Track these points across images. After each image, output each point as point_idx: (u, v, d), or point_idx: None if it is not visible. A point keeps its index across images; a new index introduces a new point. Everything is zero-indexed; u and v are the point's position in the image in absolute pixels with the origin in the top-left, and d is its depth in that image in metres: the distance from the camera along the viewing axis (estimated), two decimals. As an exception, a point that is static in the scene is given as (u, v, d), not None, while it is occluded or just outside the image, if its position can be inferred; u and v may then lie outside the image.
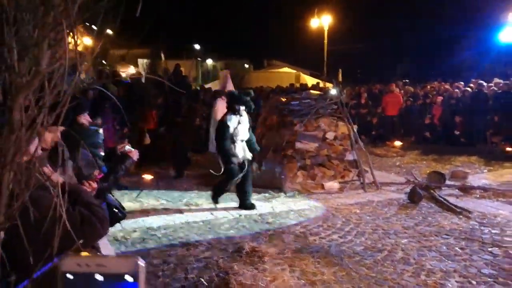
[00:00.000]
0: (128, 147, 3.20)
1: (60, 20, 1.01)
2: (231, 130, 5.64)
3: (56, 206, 1.58)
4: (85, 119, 3.34)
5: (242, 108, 5.70)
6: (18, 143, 1.03)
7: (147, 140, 8.13)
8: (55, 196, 1.16)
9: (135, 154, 3.18)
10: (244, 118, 5.79)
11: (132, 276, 0.82)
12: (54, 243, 1.15)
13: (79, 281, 0.83)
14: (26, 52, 1.04)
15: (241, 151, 5.80)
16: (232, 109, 5.72)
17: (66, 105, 1.08)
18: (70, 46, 1.07)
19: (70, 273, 0.83)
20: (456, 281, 3.75)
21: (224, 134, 5.66)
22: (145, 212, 5.87)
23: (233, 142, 5.72)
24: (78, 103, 2.97)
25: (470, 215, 5.61)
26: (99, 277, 0.82)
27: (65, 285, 0.83)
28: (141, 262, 0.82)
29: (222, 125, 5.71)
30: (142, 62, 22.87)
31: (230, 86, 8.22)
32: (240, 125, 5.71)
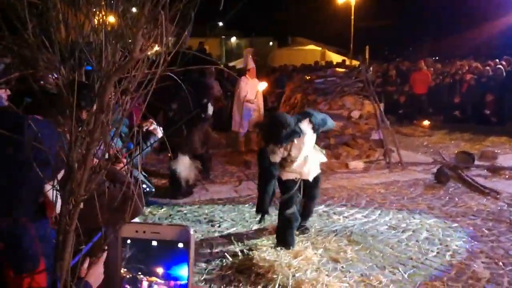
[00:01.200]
0: (154, 125, 3.23)
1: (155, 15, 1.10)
2: (278, 160, 3.94)
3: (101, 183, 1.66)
4: None
5: (283, 145, 3.86)
6: (105, 123, 1.11)
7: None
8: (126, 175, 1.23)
9: (159, 132, 3.21)
10: (302, 139, 3.93)
11: (183, 243, 0.89)
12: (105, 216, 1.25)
13: (137, 246, 0.92)
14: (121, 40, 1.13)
15: (299, 168, 4.11)
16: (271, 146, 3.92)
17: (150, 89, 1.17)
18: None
19: (129, 238, 0.92)
20: (482, 262, 3.71)
21: (262, 163, 3.98)
22: (171, 189, 5.98)
23: (284, 166, 4.06)
24: None
25: (498, 196, 5.48)
26: (154, 243, 0.90)
27: (124, 248, 0.92)
28: (192, 231, 0.89)
29: (261, 154, 4.01)
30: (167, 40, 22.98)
31: (251, 64, 8.17)
32: (295, 150, 3.95)
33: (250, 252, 3.89)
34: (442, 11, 25.12)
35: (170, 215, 4.94)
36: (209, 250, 3.99)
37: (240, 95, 8.05)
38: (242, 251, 3.94)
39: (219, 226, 4.58)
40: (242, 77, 8.44)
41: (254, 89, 8.06)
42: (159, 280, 0.90)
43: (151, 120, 3.23)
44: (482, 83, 11.56)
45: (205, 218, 4.84)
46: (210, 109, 6.15)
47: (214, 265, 3.69)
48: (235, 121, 8.27)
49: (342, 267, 3.63)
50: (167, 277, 0.90)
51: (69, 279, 1.11)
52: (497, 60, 12.58)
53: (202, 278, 3.49)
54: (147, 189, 3.00)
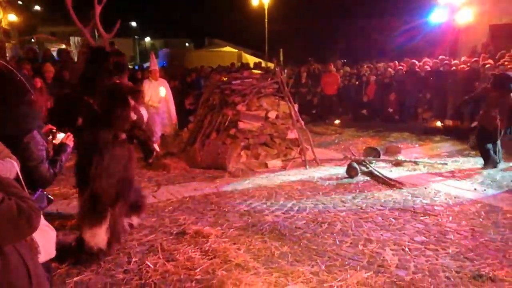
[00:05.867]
0: (60, 135, 2.96)
1: None
2: None
3: None
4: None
5: None
6: None
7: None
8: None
9: (70, 140, 2.96)
10: None
11: None
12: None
13: None
14: None
15: None
16: None
17: None
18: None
19: None
20: (391, 249, 4.00)
21: None
22: (84, 198, 5.64)
23: None
24: (28, 81, 2.69)
25: (403, 187, 5.97)
26: None
27: None
28: None
29: None
30: (74, 40, 21.55)
31: (153, 65, 7.99)
32: None
33: (171, 258, 3.79)
34: (349, 17, 26.76)
35: (83, 226, 4.63)
36: (126, 259, 3.81)
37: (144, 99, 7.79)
38: (162, 258, 3.83)
39: (137, 234, 4.40)
40: (144, 80, 8.17)
41: (158, 92, 7.85)
42: None
43: (50, 126, 2.97)
44: (385, 83, 12.52)
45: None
46: None
47: (132, 275, 3.53)
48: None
49: (264, 264, 3.69)
50: None
51: None
52: (396, 62, 13.72)
53: (121, 289, 3.33)
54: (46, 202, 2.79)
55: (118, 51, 4.49)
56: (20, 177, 2.15)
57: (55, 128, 2.95)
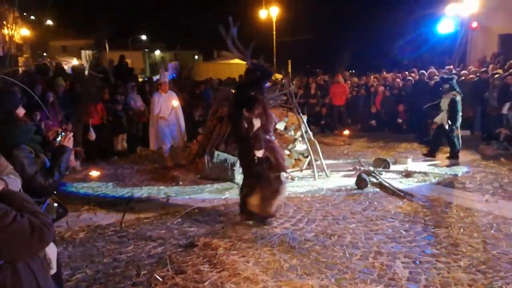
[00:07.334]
0: (60, 136, 2.89)
1: None
2: None
3: (6, 214, 1.51)
4: (21, 113, 3.02)
5: None
6: None
7: (92, 136, 7.81)
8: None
9: (69, 140, 2.88)
10: None
11: None
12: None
13: None
14: None
15: None
16: None
17: None
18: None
19: None
20: (402, 262, 3.95)
21: None
22: (93, 210, 5.66)
23: None
24: (13, 95, 2.77)
25: (413, 198, 5.90)
26: None
27: None
28: None
29: None
30: (85, 53, 21.88)
31: (163, 78, 8.10)
32: None
33: (180, 271, 3.79)
34: (356, 27, 26.88)
35: (92, 238, 4.66)
36: (135, 272, 3.81)
37: (153, 111, 7.85)
38: (171, 270, 3.82)
39: (146, 246, 4.41)
40: (155, 93, 8.25)
41: (168, 104, 7.91)
42: None
43: (56, 129, 2.97)
44: (394, 94, 12.48)
45: (130, 239, 4.62)
46: None
47: None
48: (151, 139, 8.04)
49: (273, 277, 3.66)
50: None
51: None
52: (407, 72, 13.67)
53: (129, 302, 3.32)
54: (61, 210, 2.81)
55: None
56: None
57: (59, 130, 2.92)
